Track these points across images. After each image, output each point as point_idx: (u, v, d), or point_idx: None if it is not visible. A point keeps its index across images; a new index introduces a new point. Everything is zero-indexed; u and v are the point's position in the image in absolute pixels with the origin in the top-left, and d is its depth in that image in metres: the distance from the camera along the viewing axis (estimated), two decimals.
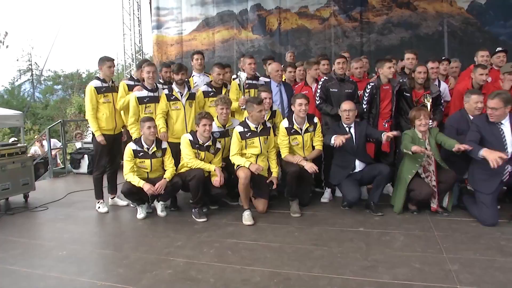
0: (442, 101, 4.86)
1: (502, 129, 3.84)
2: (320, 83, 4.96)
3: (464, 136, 4.03)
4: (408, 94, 4.71)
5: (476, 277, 2.89)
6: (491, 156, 3.56)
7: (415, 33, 8.96)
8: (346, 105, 4.49)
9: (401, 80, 4.91)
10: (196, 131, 4.49)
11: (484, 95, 4.34)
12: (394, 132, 4.31)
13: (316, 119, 4.69)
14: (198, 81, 5.46)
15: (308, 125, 4.60)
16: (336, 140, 4.25)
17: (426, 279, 2.88)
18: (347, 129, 4.50)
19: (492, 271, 2.97)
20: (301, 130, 4.58)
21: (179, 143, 4.57)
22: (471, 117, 4.21)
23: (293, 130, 4.58)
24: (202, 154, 4.49)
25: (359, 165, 4.50)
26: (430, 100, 4.50)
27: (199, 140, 4.46)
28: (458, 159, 4.13)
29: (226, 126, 4.77)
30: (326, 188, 5.01)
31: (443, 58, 5.63)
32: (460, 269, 3.01)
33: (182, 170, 4.55)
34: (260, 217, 4.40)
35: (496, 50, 5.29)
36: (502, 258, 3.18)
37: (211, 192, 4.49)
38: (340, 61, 4.91)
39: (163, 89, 4.95)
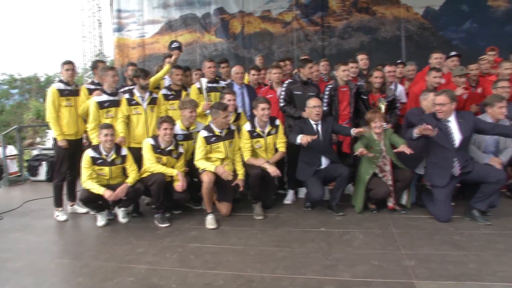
0: (398, 104, 5.03)
1: (449, 126, 4.01)
2: (284, 85, 5.02)
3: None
4: (365, 97, 4.85)
5: (432, 271, 3.01)
6: (421, 128, 3.84)
7: (374, 37, 9.23)
8: (315, 102, 4.54)
9: (359, 83, 5.04)
10: (158, 135, 4.44)
11: None
12: (361, 129, 4.39)
13: (278, 122, 4.74)
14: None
15: (270, 128, 4.64)
16: (303, 139, 4.29)
17: (384, 275, 2.98)
18: (314, 126, 4.55)
19: (446, 265, 3.11)
20: (264, 133, 4.62)
21: (141, 148, 4.50)
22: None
23: (255, 133, 4.60)
24: (164, 158, 4.44)
25: (324, 162, 4.58)
26: (385, 103, 4.64)
27: (161, 144, 4.41)
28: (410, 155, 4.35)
29: (190, 129, 4.74)
30: (289, 190, 5.07)
31: (398, 61, 5.83)
32: (417, 264, 3.13)
33: (144, 175, 4.48)
34: (224, 220, 4.40)
35: (450, 54, 5.54)
36: (456, 252, 3.34)
37: (173, 196, 4.43)
38: (310, 65, 5.00)
39: (125, 92, 4.87)
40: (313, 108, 4.51)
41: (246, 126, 4.64)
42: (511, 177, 4.94)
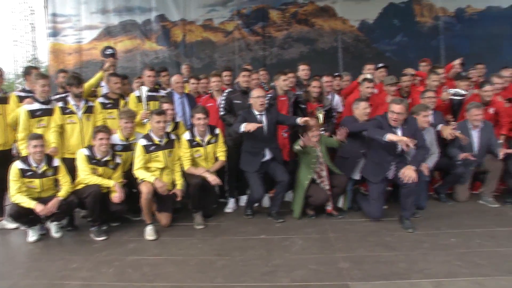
0: (335, 113, 5.23)
1: (397, 133, 4.17)
2: (224, 94, 5.05)
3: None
4: (304, 106, 5.00)
5: (365, 272, 3.18)
6: (397, 138, 3.96)
7: (313, 48, 9.54)
8: (258, 92, 4.56)
9: (297, 93, 5.19)
10: (94, 145, 4.29)
11: (371, 105, 4.80)
12: (307, 118, 4.48)
13: (218, 130, 4.75)
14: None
15: (210, 136, 4.64)
16: (247, 127, 4.29)
17: (321, 278, 3.09)
18: (258, 116, 4.55)
19: (379, 265, 3.29)
20: (203, 142, 4.61)
21: (75, 159, 4.32)
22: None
23: (195, 142, 4.59)
24: (100, 169, 4.28)
25: (268, 154, 4.61)
26: (323, 113, 4.81)
27: (97, 155, 4.26)
28: (348, 160, 4.61)
29: (130, 139, 4.63)
30: (230, 198, 5.09)
31: (335, 74, 6.08)
32: (351, 266, 3.28)
33: (79, 187, 4.29)
34: (164, 231, 4.33)
35: (378, 66, 5.88)
36: (387, 252, 3.54)
37: (110, 208, 4.29)
38: (244, 74, 5.06)
39: (59, 100, 4.67)
40: (257, 98, 4.50)
41: (186, 135, 4.61)
42: (438, 181, 5.31)
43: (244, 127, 4.33)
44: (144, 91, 5.01)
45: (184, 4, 9.86)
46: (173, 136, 4.62)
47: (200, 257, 3.60)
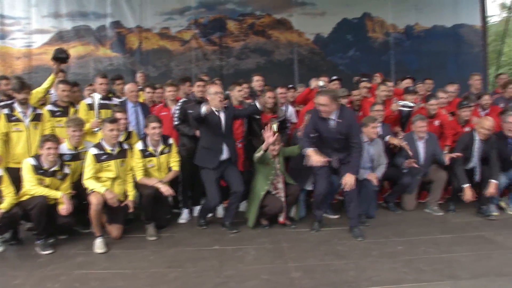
0: (289, 124, 5.34)
1: (330, 123, 4.23)
2: (179, 104, 5.01)
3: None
4: (258, 117, 5.04)
5: (316, 281, 3.24)
6: (314, 158, 4.13)
7: (269, 59, 9.70)
8: (216, 88, 4.51)
9: (252, 103, 5.24)
10: (41, 155, 4.12)
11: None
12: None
13: (171, 140, 4.70)
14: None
15: (163, 146, 4.59)
16: (207, 108, 4.23)
17: None
18: (216, 113, 4.48)
19: (329, 274, 3.37)
20: (157, 152, 4.55)
21: (21, 169, 4.11)
22: None
23: (148, 152, 4.52)
24: (48, 180, 4.10)
25: (226, 151, 4.53)
26: (277, 123, 4.85)
27: (44, 164, 4.09)
28: (300, 171, 4.70)
29: (79, 148, 4.48)
30: (184, 208, 5.02)
31: (289, 86, 6.20)
32: (303, 275, 3.33)
33: (24, 198, 4.08)
34: (114, 243, 4.19)
35: (332, 78, 6.07)
36: (338, 261, 3.63)
37: (57, 221, 4.10)
38: (199, 84, 5.05)
39: (5, 107, 4.45)
40: (215, 94, 4.41)
41: (138, 145, 4.53)
42: (387, 190, 5.52)
43: (205, 108, 4.23)
44: (97, 98, 4.88)
45: (140, 11, 9.73)
46: (125, 146, 4.52)
47: (151, 269, 3.53)
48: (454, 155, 4.92)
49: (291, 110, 5.60)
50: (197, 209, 5.01)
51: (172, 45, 9.75)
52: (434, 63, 9.59)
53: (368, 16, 9.95)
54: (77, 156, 4.47)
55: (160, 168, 4.59)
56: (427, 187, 5.38)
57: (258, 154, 4.46)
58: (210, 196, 4.55)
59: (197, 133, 4.71)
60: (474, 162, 5.05)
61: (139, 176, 4.46)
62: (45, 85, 4.87)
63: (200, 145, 4.64)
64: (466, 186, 4.81)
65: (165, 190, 4.37)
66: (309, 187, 4.80)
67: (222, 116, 4.54)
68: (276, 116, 4.99)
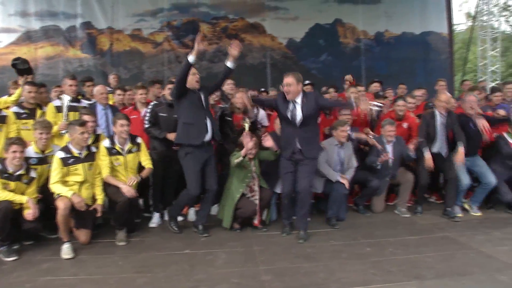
0: (259, 126, 5.37)
1: (295, 106, 4.26)
2: (150, 107, 4.95)
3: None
4: (230, 118, 5.05)
5: (286, 284, 3.25)
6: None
7: (242, 62, 9.68)
8: (193, 70, 4.42)
9: (223, 106, 5.25)
10: (6, 158, 3.99)
11: None
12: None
13: (139, 140, 4.61)
14: None
15: (131, 145, 4.50)
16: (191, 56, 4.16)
17: None
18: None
19: (299, 276, 3.39)
20: (123, 150, 4.45)
21: None
22: None
23: (114, 150, 4.42)
24: (12, 184, 3.96)
25: (210, 128, 4.42)
26: (249, 123, 4.80)
27: (9, 168, 3.96)
28: (271, 175, 4.72)
29: (46, 152, 4.36)
30: (155, 212, 4.95)
31: (261, 90, 6.24)
32: (273, 278, 3.34)
33: None
34: (82, 248, 4.09)
35: (305, 83, 6.14)
36: (307, 263, 3.66)
37: (22, 226, 3.97)
38: (171, 87, 4.99)
39: None
40: (193, 75, 4.39)
41: (105, 143, 4.43)
42: (357, 193, 5.62)
43: (192, 56, 4.15)
44: (66, 100, 4.77)
45: (111, 12, 9.63)
46: (93, 149, 4.42)
47: (120, 275, 3.46)
48: (416, 141, 5.11)
49: (262, 113, 5.62)
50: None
51: (144, 47, 9.68)
52: (403, 69, 9.88)
53: (340, 22, 10.17)
54: (44, 160, 4.34)
55: (127, 167, 4.48)
56: (396, 189, 5.52)
57: (237, 160, 4.44)
58: (190, 185, 4.39)
59: (168, 136, 4.66)
60: (439, 141, 5.19)
61: (105, 173, 4.36)
62: (13, 97, 4.80)
63: (181, 122, 4.45)
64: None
65: (126, 191, 4.25)
66: (278, 190, 4.82)
67: (201, 93, 4.48)
68: (248, 116, 5.00)
